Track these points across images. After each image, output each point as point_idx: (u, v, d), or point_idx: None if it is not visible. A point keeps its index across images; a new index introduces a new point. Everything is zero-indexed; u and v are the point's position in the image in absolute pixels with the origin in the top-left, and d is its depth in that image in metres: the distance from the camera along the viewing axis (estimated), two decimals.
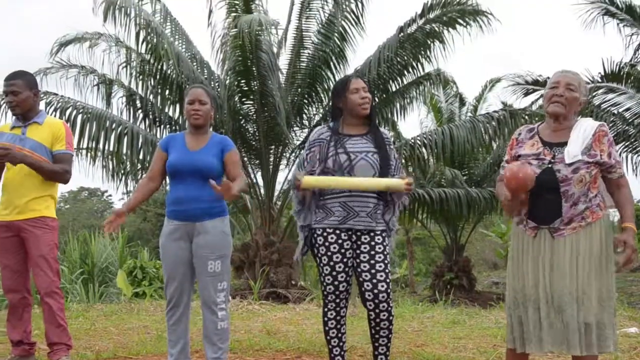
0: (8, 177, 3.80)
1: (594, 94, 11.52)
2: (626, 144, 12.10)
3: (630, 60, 11.98)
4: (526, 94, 12.58)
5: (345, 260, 3.44)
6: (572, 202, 2.83)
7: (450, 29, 10.15)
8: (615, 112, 11.88)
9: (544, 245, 2.88)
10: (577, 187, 2.82)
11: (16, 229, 3.77)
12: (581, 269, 2.81)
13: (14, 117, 3.97)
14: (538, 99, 12.17)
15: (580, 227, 2.84)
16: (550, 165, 2.87)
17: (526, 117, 10.25)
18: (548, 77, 10.59)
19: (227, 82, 10.04)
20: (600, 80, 11.98)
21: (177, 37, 10.55)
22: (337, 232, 3.44)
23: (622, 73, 11.92)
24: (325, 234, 3.45)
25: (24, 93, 3.83)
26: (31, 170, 3.74)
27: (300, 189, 3.34)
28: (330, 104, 3.76)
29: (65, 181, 3.95)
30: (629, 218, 2.87)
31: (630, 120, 11.86)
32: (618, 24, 11.93)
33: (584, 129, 2.90)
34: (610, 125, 11.77)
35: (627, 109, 11.86)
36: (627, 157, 12.27)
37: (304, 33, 10.75)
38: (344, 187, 3.38)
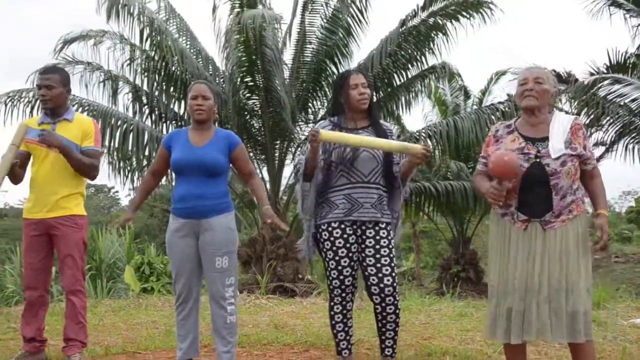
0: (38, 174, 3.79)
1: (599, 85, 11.44)
2: (633, 135, 12.01)
3: (637, 51, 11.91)
4: None
5: (350, 254, 3.46)
6: (562, 195, 2.93)
7: (453, 21, 10.12)
8: (622, 103, 11.79)
9: (535, 238, 2.95)
10: (566, 180, 2.92)
11: (45, 227, 3.78)
12: (571, 259, 2.90)
13: (41, 113, 3.98)
14: None
15: (568, 220, 2.94)
16: (538, 160, 2.95)
17: None
18: (554, 69, 10.42)
19: (232, 77, 10.04)
20: (605, 71, 11.90)
21: (181, 33, 10.58)
22: (342, 226, 3.46)
23: (628, 64, 11.86)
24: (330, 228, 3.47)
25: (58, 89, 3.84)
26: (61, 167, 3.76)
27: (318, 141, 3.33)
28: (332, 98, 3.79)
29: (93, 177, 3.96)
30: (603, 205, 3.01)
31: (636, 112, 11.75)
32: (624, 15, 11.87)
33: (561, 123, 3.02)
34: (617, 116, 11.70)
35: (634, 100, 11.76)
36: (633, 148, 12.16)
37: (308, 28, 10.73)
38: (360, 145, 3.40)
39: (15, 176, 3.85)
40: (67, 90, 3.93)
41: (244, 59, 9.91)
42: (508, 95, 12.32)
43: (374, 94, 10.46)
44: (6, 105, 9.50)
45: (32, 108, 9.65)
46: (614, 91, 11.68)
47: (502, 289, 3.00)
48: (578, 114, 11.64)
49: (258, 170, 11.11)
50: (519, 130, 3.09)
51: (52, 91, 3.82)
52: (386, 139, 3.48)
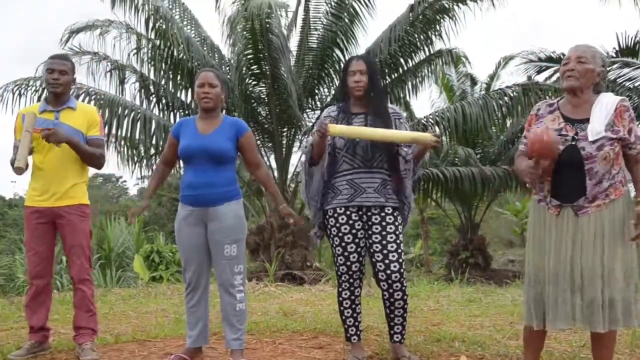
0: (45, 163, 3.76)
1: (608, 68, 11.33)
2: None
3: None
4: (539, 71, 12.39)
5: (357, 240, 3.46)
6: (597, 180, 2.80)
7: (460, 4, 10.05)
8: (631, 86, 11.68)
9: (568, 224, 2.84)
10: (602, 165, 2.79)
11: (52, 215, 3.76)
12: (606, 246, 2.79)
13: (42, 101, 3.94)
14: (551, 75, 11.96)
15: (604, 205, 2.81)
16: (574, 143, 2.83)
17: (539, 91, 10.11)
18: (562, 53, 10.34)
19: (239, 65, 10.03)
20: (614, 55, 11.79)
21: (186, 22, 10.56)
22: (348, 212, 3.46)
23: (637, 47, 11.72)
24: (336, 214, 3.47)
25: (70, 75, 3.85)
26: (70, 156, 3.74)
27: (327, 136, 3.35)
28: (340, 82, 3.79)
29: (101, 166, 3.96)
30: None
31: None
32: None
33: (605, 105, 2.86)
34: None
35: None
36: None
37: (313, 14, 10.71)
38: (370, 138, 3.39)
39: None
40: (73, 80, 3.95)
41: (250, 46, 9.88)
42: (528, 78, 12.11)
43: (380, 79, 10.41)
44: (14, 93, 9.53)
45: (40, 97, 9.68)
46: (623, 74, 11.58)
47: (537, 276, 2.92)
48: None
49: (265, 158, 11.12)
50: (560, 109, 2.97)
51: (65, 77, 3.81)
52: (397, 131, 3.47)
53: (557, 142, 2.79)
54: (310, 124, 10.95)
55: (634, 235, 2.77)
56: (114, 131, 9.81)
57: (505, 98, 10.34)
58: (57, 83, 3.79)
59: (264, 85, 10.59)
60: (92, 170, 4.01)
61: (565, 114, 2.93)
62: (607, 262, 2.77)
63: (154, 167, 10.53)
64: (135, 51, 10.17)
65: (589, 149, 2.79)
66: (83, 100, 9.53)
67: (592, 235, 2.80)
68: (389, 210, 3.48)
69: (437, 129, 3.50)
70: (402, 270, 3.40)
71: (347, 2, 10.45)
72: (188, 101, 10.62)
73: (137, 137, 9.93)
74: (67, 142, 3.67)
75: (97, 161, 3.90)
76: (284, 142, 11.08)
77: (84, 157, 3.80)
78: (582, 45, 2.96)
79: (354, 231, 3.46)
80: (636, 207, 2.79)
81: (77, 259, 3.79)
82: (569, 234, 2.83)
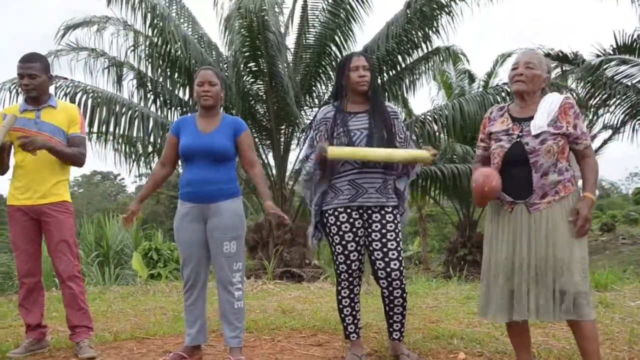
0: (27, 161, 3.77)
1: (605, 66, 11.35)
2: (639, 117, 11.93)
3: None
4: None
5: (357, 239, 3.46)
6: (542, 173, 2.91)
7: (457, 0, 10.03)
8: (629, 83, 11.70)
9: (521, 219, 2.95)
10: (546, 158, 2.90)
11: (37, 213, 3.76)
12: (559, 240, 2.88)
13: (22, 100, 3.94)
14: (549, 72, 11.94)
15: (555, 201, 2.92)
16: (518, 139, 2.96)
17: None
18: (560, 51, 10.33)
19: (236, 63, 10.01)
20: (612, 52, 11.80)
21: (183, 19, 10.53)
22: (348, 210, 3.45)
23: (634, 45, 11.75)
24: (336, 213, 3.46)
25: (41, 77, 3.80)
26: (51, 155, 3.74)
27: (326, 159, 3.33)
28: (335, 81, 3.77)
29: (82, 164, 3.96)
30: (589, 188, 2.94)
31: None
32: None
33: (550, 103, 2.99)
34: (624, 97, 11.61)
35: None
36: None
37: (310, 11, 10.68)
38: (371, 159, 3.39)
39: (2, 164, 3.84)
40: (48, 78, 3.90)
41: (247, 44, 9.86)
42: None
43: (378, 76, 10.41)
44: (10, 92, 9.49)
45: None
46: (621, 72, 11.60)
47: (493, 269, 3.02)
48: (587, 95, 11.56)
49: (264, 156, 11.11)
50: (509, 112, 3.11)
51: (36, 80, 3.78)
52: (396, 150, 3.44)
53: (498, 191, 2.94)
54: (308, 122, 10.94)
55: (577, 229, 2.87)
56: (111, 129, 9.80)
57: (503, 94, 10.33)
58: (29, 88, 3.79)
59: (261, 82, 10.57)
60: (90, 168, 4.03)
61: (513, 115, 3.08)
62: (560, 256, 2.87)
63: (152, 165, 10.56)
64: (132, 48, 10.15)
65: (533, 144, 2.93)
66: (80, 98, 9.51)
67: (544, 230, 2.91)
68: (388, 208, 3.48)
69: (432, 149, 3.49)
70: (401, 268, 3.41)
71: None
72: (186, 99, 10.60)
73: (134, 134, 9.91)
74: (44, 149, 3.68)
75: (78, 160, 3.91)
76: (282, 139, 11.07)
77: (64, 159, 3.82)
78: (530, 52, 3.14)
79: (354, 230, 3.46)
80: (579, 202, 2.91)
81: (64, 255, 3.79)
82: (523, 230, 2.95)
